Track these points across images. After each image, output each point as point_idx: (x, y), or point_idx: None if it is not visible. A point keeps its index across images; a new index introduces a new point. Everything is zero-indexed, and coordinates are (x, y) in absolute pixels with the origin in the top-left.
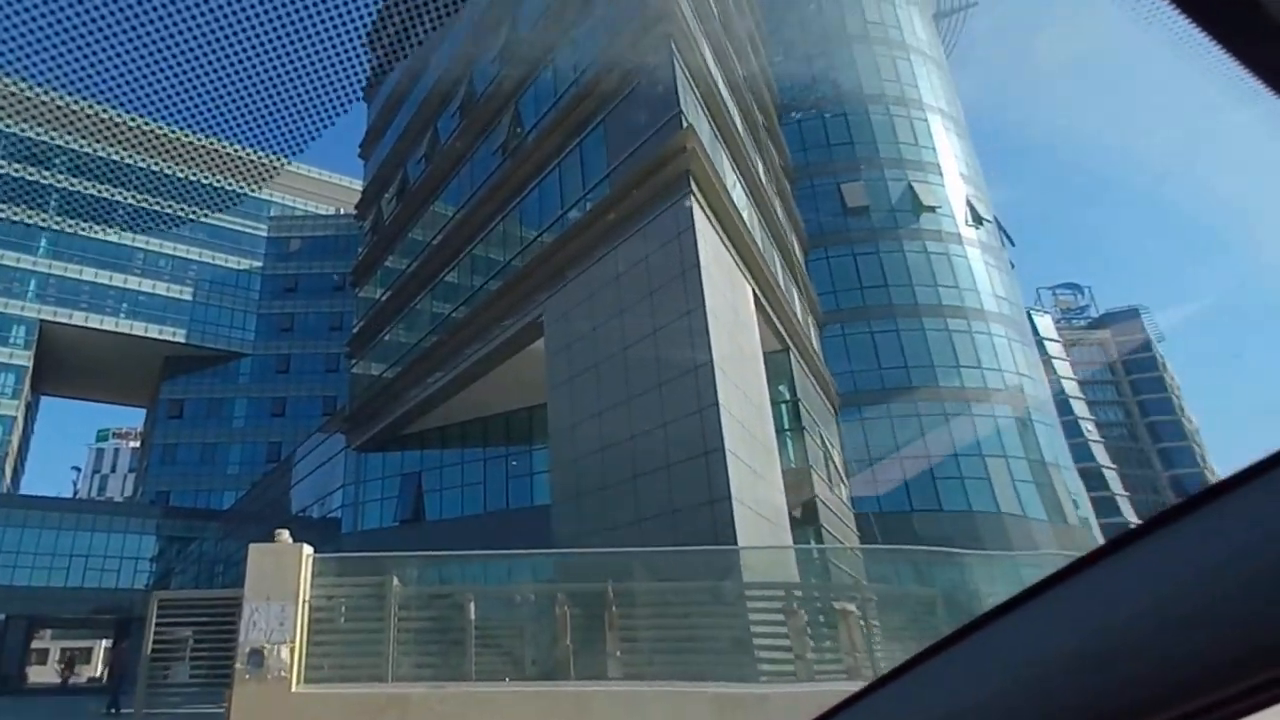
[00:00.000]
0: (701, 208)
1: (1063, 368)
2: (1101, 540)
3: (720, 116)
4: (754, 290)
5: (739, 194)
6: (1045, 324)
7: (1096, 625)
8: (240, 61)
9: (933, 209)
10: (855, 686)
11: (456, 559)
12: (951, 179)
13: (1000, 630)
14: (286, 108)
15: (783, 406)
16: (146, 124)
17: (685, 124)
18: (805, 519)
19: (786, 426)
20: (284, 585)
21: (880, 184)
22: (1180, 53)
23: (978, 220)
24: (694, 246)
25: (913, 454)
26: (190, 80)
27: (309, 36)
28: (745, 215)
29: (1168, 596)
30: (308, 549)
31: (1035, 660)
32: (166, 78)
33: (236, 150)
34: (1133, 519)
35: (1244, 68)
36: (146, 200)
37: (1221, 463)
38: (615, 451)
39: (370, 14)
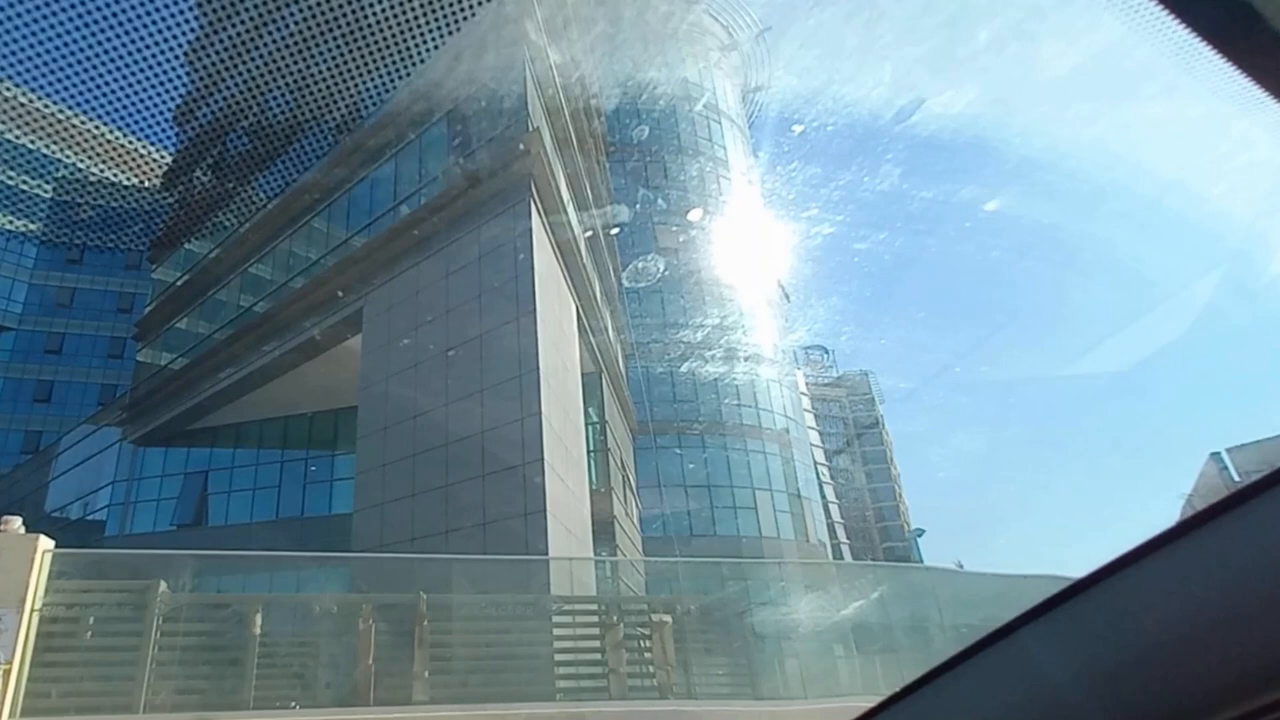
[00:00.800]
0: (539, 215)
1: (809, 418)
2: (830, 555)
3: (560, 132)
4: (577, 308)
5: (570, 211)
6: (797, 378)
7: (1113, 638)
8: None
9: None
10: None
11: (243, 561)
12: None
13: (1013, 645)
14: (95, 59)
15: (591, 428)
16: None
17: (531, 127)
18: (603, 537)
19: (592, 448)
20: (5, 588)
21: (688, 228)
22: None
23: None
24: (529, 252)
25: (696, 483)
26: None
27: None
28: (575, 232)
29: (1181, 610)
30: (45, 542)
31: (1050, 674)
32: None
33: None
34: (844, 539)
35: (1245, 74)
36: None
37: (913, 501)
38: (429, 458)
39: None
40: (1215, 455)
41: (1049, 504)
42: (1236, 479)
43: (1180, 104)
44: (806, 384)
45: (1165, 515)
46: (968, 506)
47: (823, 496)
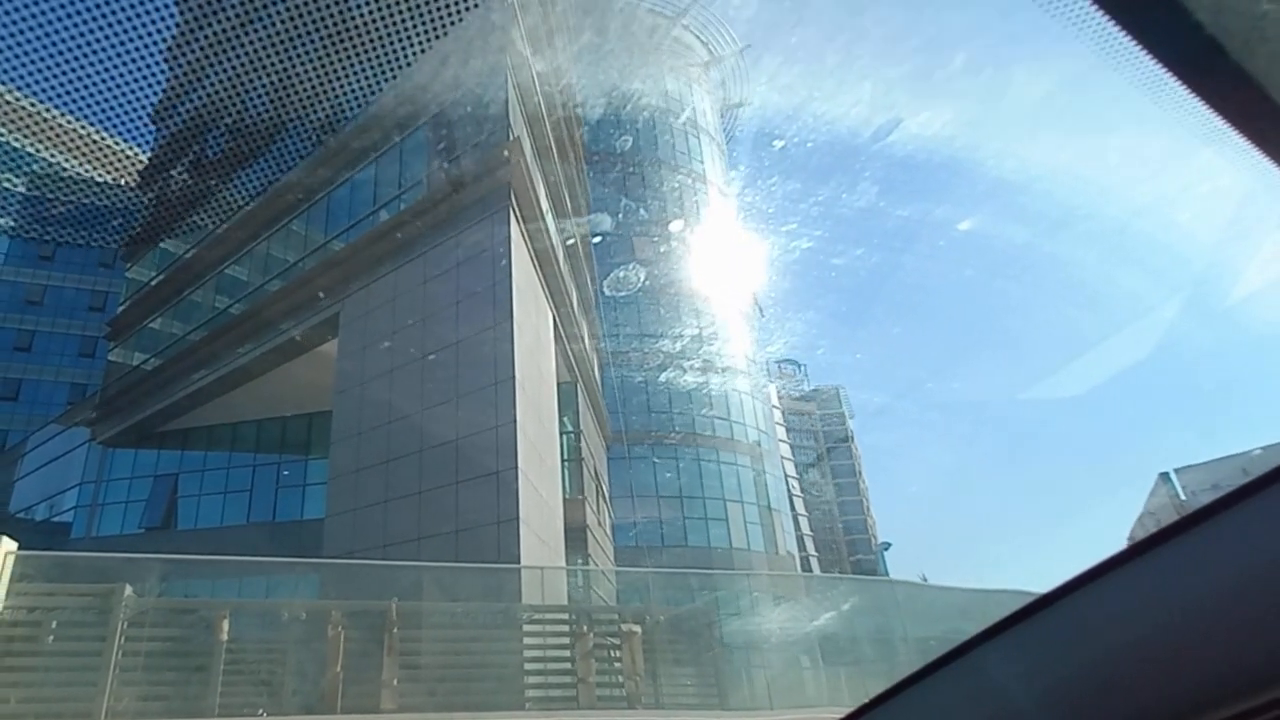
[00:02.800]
0: (518, 223)
1: (780, 431)
2: (799, 567)
3: (541, 140)
4: (554, 318)
5: (549, 220)
6: (770, 392)
7: (1069, 656)
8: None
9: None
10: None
11: (211, 566)
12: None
13: (971, 663)
14: (73, 54)
15: (565, 437)
16: None
17: (512, 135)
18: (575, 547)
19: (566, 457)
20: None
21: (665, 240)
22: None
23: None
24: (508, 260)
25: (668, 493)
26: None
27: None
28: (553, 241)
29: (1135, 629)
30: (8, 544)
31: (1008, 691)
32: None
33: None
34: (813, 551)
35: (1209, 107)
36: None
37: (881, 515)
38: (402, 464)
39: None
40: (1164, 476)
41: (1014, 519)
42: (1184, 499)
43: (1148, 133)
44: (779, 397)
45: (1123, 532)
46: (934, 520)
47: (793, 509)
